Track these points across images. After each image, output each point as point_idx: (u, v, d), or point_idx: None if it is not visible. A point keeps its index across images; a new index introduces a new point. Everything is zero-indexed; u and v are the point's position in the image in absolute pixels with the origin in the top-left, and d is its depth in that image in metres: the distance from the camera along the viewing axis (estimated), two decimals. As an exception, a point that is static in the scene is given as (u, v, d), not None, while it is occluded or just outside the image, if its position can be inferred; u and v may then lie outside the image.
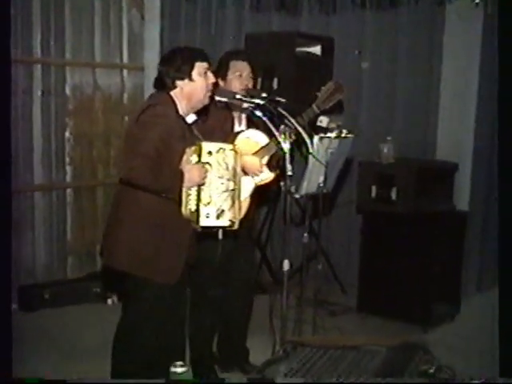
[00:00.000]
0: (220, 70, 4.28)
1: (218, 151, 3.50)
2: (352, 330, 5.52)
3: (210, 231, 3.61)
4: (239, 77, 4.25)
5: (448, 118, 5.92)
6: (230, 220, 3.54)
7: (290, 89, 5.60)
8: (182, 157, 3.53)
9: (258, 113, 3.72)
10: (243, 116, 4.36)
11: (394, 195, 5.54)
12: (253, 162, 4.12)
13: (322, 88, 4.19)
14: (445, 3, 5.76)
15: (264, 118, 3.69)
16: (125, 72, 6.55)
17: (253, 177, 4.13)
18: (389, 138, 5.68)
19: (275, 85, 5.76)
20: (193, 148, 3.52)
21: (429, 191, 5.65)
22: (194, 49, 3.88)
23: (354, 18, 6.30)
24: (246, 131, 4.25)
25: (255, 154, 4.14)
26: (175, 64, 3.62)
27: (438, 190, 5.76)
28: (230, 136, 4.10)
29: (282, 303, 3.75)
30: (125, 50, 6.51)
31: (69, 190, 6.34)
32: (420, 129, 6.14)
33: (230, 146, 3.58)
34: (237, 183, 3.58)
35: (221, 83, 4.26)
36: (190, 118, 3.70)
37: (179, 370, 2.65)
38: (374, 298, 5.81)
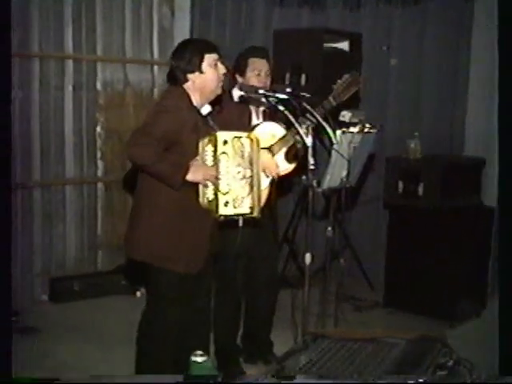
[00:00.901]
0: (239, 67, 4.36)
1: (233, 140, 3.54)
2: (378, 325, 5.52)
3: (232, 219, 3.62)
4: (257, 75, 4.30)
5: (476, 114, 5.89)
6: (250, 207, 3.56)
7: (317, 85, 5.62)
8: (194, 147, 3.57)
9: (281, 107, 3.75)
10: (260, 109, 4.41)
11: (421, 191, 5.54)
12: (268, 161, 4.14)
13: (338, 81, 4.21)
14: (473, -1, 5.74)
15: (286, 113, 3.73)
16: (155, 68, 6.60)
17: (268, 177, 4.16)
18: (416, 134, 5.68)
19: (303, 81, 5.79)
20: (207, 138, 3.56)
21: (456, 187, 5.63)
22: (202, 41, 3.91)
23: (381, 13, 6.29)
24: (263, 124, 4.29)
25: (273, 145, 4.18)
26: (185, 57, 3.66)
27: (465, 186, 5.74)
28: (247, 129, 4.15)
29: (304, 297, 3.77)
30: (155, 46, 6.55)
31: (100, 184, 6.41)
32: (447, 124, 6.11)
33: (245, 134, 3.61)
34: (254, 170, 3.60)
35: (239, 79, 4.33)
36: (205, 110, 3.73)
37: (199, 359, 2.69)
38: (401, 293, 5.82)
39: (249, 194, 3.56)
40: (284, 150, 4.25)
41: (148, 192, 3.69)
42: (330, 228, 4.44)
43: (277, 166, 4.20)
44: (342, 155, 4.09)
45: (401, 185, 5.63)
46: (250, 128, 4.22)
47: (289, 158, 4.27)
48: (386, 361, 2.83)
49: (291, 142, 4.21)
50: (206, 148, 3.56)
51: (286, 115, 3.76)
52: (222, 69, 3.71)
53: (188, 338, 3.84)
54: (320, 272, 5.04)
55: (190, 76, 3.67)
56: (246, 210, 3.57)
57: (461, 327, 5.46)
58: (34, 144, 5.85)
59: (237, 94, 4.19)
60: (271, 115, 4.37)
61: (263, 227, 4.23)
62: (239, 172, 3.55)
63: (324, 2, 6.37)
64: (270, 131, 4.24)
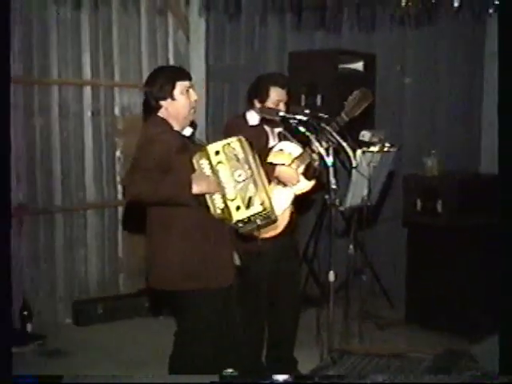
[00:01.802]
0: (259, 93, 4.42)
1: (223, 148, 3.57)
2: (400, 342, 5.52)
3: (249, 222, 3.58)
4: (276, 105, 4.37)
5: (491, 130, 5.92)
6: (261, 204, 3.52)
7: (333, 105, 5.67)
8: (188, 166, 3.59)
9: (302, 128, 3.82)
10: (275, 131, 4.49)
11: (439, 208, 5.57)
12: (289, 172, 4.22)
13: (349, 97, 4.27)
14: (484, 16, 5.77)
15: (308, 134, 3.79)
16: (171, 92, 6.68)
17: (291, 187, 4.23)
18: (433, 151, 5.73)
19: (319, 101, 5.87)
20: (199, 154, 3.60)
21: (474, 203, 5.66)
22: (175, 68, 4.01)
23: (394, 34, 6.34)
24: (279, 144, 4.37)
25: (290, 164, 4.25)
26: (157, 84, 3.68)
27: (483, 202, 5.77)
28: (265, 150, 4.22)
29: (329, 314, 3.81)
30: (171, 71, 6.63)
31: (120, 208, 6.47)
32: (463, 141, 6.16)
33: (234, 139, 3.61)
34: (253, 168, 3.59)
35: (257, 104, 4.41)
36: (187, 132, 3.77)
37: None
38: (422, 310, 5.83)
39: (256, 191, 3.54)
40: (302, 167, 4.32)
41: (158, 220, 3.70)
42: (351, 246, 4.49)
43: (298, 176, 4.25)
44: (362, 174, 4.15)
45: (419, 202, 5.66)
46: (267, 149, 4.30)
47: (307, 175, 4.34)
48: (414, 375, 2.87)
49: (308, 161, 4.28)
50: (201, 162, 3.60)
51: (304, 136, 3.83)
52: (193, 95, 3.74)
53: (222, 354, 3.81)
54: (341, 290, 5.07)
55: (162, 103, 3.69)
56: (259, 208, 3.52)
57: (482, 343, 5.48)
58: (55, 169, 5.94)
59: (254, 117, 4.29)
60: (285, 136, 4.45)
61: (287, 248, 4.27)
62: (240, 175, 3.56)
63: (339, 25, 6.42)
64: (286, 150, 4.32)
